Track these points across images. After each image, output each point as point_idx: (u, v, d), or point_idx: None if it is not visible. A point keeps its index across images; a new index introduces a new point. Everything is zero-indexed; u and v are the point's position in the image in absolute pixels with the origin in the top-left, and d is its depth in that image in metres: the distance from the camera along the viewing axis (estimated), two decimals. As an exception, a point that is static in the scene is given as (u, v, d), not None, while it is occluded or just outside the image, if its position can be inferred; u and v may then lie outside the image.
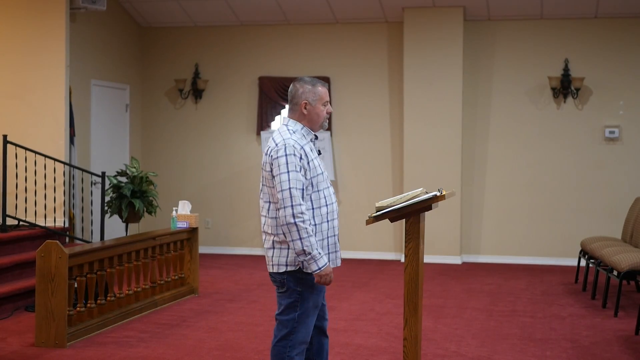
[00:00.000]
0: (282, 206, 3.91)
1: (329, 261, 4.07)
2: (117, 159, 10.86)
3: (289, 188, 3.91)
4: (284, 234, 3.97)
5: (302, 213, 3.91)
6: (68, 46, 9.11)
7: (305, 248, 3.91)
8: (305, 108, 4.10)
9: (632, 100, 10.42)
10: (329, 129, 11.00)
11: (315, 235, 4.00)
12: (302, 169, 3.97)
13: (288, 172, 3.93)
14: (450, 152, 10.51)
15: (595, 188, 10.49)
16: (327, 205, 4.08)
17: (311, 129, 4.14)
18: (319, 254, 3.94)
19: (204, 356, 5.89)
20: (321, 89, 4.13)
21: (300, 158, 3.98)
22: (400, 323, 6.74)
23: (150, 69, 11.68)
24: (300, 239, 3.90)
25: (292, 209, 3.90)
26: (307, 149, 4.04)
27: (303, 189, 3.96)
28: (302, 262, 3.96)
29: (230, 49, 11.46)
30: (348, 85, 11.10)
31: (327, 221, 4.08)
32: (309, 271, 3.98)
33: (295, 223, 3.89)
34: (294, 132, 4.07)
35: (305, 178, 3.99)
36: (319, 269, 3.94)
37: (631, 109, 10.42)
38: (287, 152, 3.96)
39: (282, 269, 4.04)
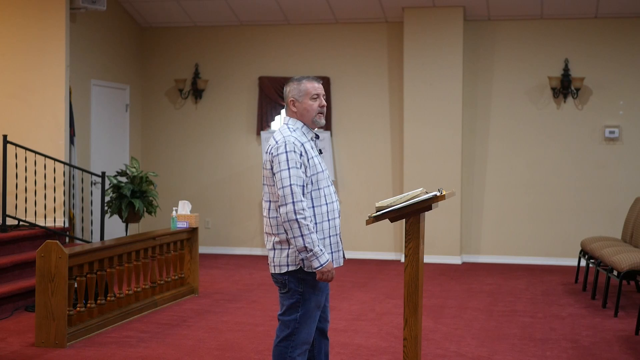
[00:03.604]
0: (284, 203, 3.91)
1: (332, 260, 4.07)
2: (117, 159, 10.86)
3: (290, 185, 3.91)
4: (285, 231, 3.96)
5: (303, 210, 3.90)
6: (68, 46, 9.12)
7: (307, 245, 3.90)
8: (294, 105, 4.12)
9: (632, 100, 10.42)
10: (329, 129, 11.00)
11: (317, 233, 4.00)
12: (302, 165, 3.97)
13: (289, 168, 3.93)
14: (450, 152, 10.51)
15: (595, 188, 10.49)
16: (327, 203, 4.08)
17: (306, 125, 4.14)
18: (321, 250, 3.94)
19: (204, 356, 5.89)
20: (307, 84, 4.11)
21: (301, 155, 3.98)
22: (400, 323, 6.74)
23: (150, 69, 11.68)
24: (302, 235, 3.90)
25: (294, 205, 3.89)
26: (307, 146, 4.05)
27: (303, 186, 3.96)
28: (304, 259, 3.96)
29: (230, 49, 11.45)
30: (348, 85, 11.10)
31: (328, 220, 4.08)
32: (311, 269, 3.98)
33: (297, 220, 3.89)
34: (294, 130, 4.08)
35: (306, 175, 3.99)
36: (321, 265, 3.94)
37: (631, 109, 10.42)
38: (287, 149, 3.96)
39: (284, 270, 4.04)
